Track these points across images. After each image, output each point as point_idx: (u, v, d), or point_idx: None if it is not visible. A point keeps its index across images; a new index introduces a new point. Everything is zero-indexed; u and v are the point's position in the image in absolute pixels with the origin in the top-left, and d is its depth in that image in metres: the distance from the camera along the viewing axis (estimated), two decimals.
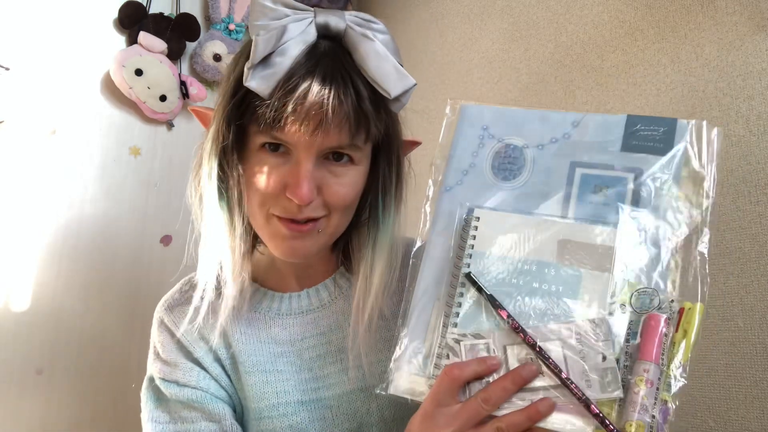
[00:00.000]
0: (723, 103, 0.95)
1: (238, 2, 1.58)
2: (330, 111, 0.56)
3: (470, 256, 0.57)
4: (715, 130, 0.55)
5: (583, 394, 0.49)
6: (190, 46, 1.54)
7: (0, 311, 1.19)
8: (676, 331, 0.51)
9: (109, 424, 1.29)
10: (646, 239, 0.54)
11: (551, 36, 1.28)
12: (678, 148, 0.55)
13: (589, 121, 0.60)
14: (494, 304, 0.54)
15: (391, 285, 0.67)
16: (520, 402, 0.51)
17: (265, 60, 0.57)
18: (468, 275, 0.56)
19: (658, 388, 0.49)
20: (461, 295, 0.56)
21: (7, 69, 1.24)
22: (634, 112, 1.08)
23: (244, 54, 0.61)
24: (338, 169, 0.62)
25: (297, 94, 0.56)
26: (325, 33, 0.60)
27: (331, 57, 0.59)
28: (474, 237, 0.57)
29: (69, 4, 1.36)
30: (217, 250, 0.64)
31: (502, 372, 0.52)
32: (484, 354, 0.53)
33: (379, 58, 0.60)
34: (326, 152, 0.61)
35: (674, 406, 0.49)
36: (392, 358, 0.56)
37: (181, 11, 1.51)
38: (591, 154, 0.58)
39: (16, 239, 1.23)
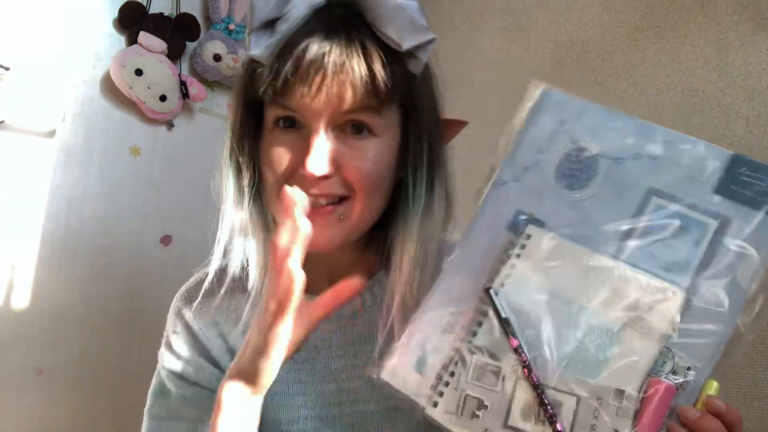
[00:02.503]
0: (723, 103, 0.95)
1: (238, 2, 1.58)
2: (331, 67, 0.51)
3: (508, 276, 0.50)
4: None
5: None
6: (190, 46, 1.54)
7: (0, 311, 1.19)
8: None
9: (109, 424, 1.29)
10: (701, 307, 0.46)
11: (551, 36, 1.28)
12: None
13: (687, 146, 0.51)
14: (508, 330, 0.48)
15: (423, 281, 0.58)
16: None
17: (270, 27, 0.53)
18: (487, 290, 0.50)
19: None
20: (485, 314, 0.49)
21: (7, 69, 1.24)
22: (635, 112, 1.08)
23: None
24: (357, 142, 0.55)
25: (295, 52, 0.51)
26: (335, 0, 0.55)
27: (338, 14, 0.54)
28: (518, 256, 0.50)
29: (69, 4, 1.36)
30: (240, 240, 0.60)
31: (516, 408, 0.47)
32: (492, 377, 0.48)
33: (393, 9, 0.53)
34: (341, 122, 0.54)
35: None
36: (394, 343, 0.51)
37: (181, 11, 1.51)
38: (675, 184, 0.49)
39: (16, 239, 1.23)
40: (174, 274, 1.44)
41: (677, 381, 0.44)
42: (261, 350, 0.48)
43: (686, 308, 0.45)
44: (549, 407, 0.46)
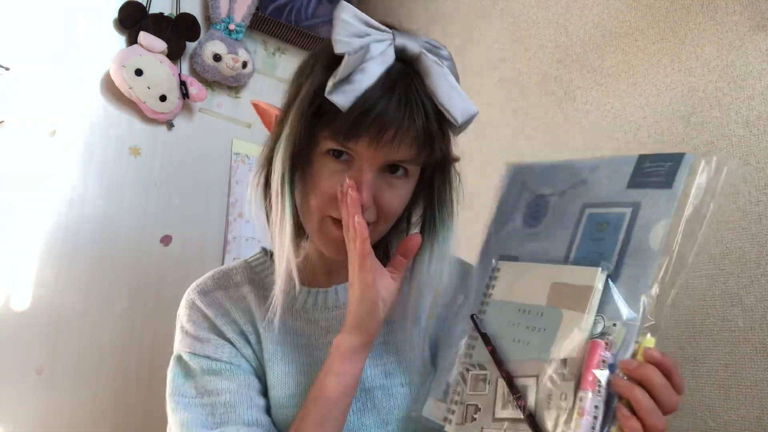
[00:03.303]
0: (723, 103, 0.95)
1: (238, 2, 1.58)
2: (402, 130, 0.61)
3: (487, 303, 0.64)
4: (725, 169, 0.53)
5: (538, 427, 0.52)
6: (190, 46, 1.54)
7: (0, 311, 1.19)
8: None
9: (109, 424, 1.29)
10: (624, 276, 0.55)
11: (551, 36, 1.28)
12: (679, 185, 0.54)
13: (606, 163, 0.62)
14: (485, 340, 0.61)
15: (441, 294, 0.73)
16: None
17: (347, 76, 0.61)
18: (471, 316, 0.64)
19: (594, 418, 0.49)
20: (476, 337, 0.63)
21: (7, 69, 1.24)
22: (635, 112, 1.08)
23: (320, 60, 0.65)
24: (394, 180, 0.66)
25: (375, 112, 0.60)
26: (401, 56, 0.64)
27: (406, 80, 0.63)
28: (493, 286, 0.65)
29: (69, 4, 1.36)
30: (277, 245, 0.68)
31: (498, 402, 0.57)
32: (482, 384, 0.60)
33: (450, 86, 0.64)
34: (386, 164, 0.65)
35: None
36: (430, 384, 0.66)
37: (181, 11, 1.51)
38: (601, 194, 0.60)
39: (16, 239, 1.23)
40: (174, 274, 1.44)
41: (608, 338, 0.52)
42: (358, 296, 0.63)
43: (612, 279, 0.55)
44: (516, 391, 0.55)
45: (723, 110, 0.95)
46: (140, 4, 1.43)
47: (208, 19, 1.58)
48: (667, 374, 0.51)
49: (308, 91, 0.64)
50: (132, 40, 1.41)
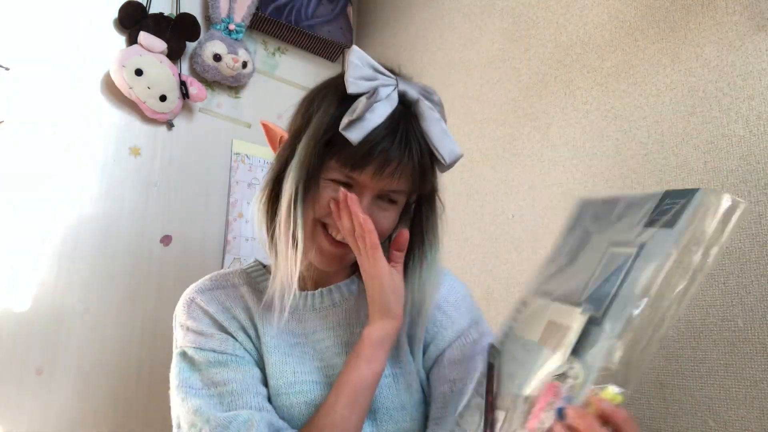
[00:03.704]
0: (723, 103, 0.95)
1: (238, 2, 1.58)
2: (402, 165, 0.71)
3: (507, 335, 0.65)
4: (740, 208, 0.49)
5: None
6: (190, 46, 1.54)
7: (0, 311, 1.19)
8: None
9: (109, 424, 1.29)
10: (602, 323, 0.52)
11: (551, 36, 1.28)
12: (682, 224, 0.50)
13: (638, 198, 0.59)
14: (489, 368, 0.62)
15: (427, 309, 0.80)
16: None
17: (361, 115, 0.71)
18: (491, 344, 0.65)
19: None
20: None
21: (7, 69, 1.24)
22: (635, 112, 1.08)
23: (331, 95, 0.74)
24: (385, 204, 0.76)
25: (381, 147, 0.70)
26: (402, 99, 0.74)
27: (407, 121, 0.73)
28: (516, 320, 0.66)
29: (69, 4, 1.36)
30: (288, 256, 0.75)
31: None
32: (500, 423, 0.59)
33: (441, 130, 0.74)
34: (382, 193, 0.74)
35: None
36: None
37: (181, 11, 1.51)
38: (623, 231, 0.58)
39: (17, 239, 1.23)
40: (174, 274, 1.44)
41: (567, 381, 0.50)
42: (378, 286, 0.72)
43: (593, 324, 0.52)
44: (488, 423, 0.56)
45: (723, 110, 0.95)
46: (140, 4, 1.43)
47: (208, 19, 1.58)
48: (617, 428, 0.49)
49: (321, 123, 0.72)
50: (132, 40, 1.41)
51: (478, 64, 1.45)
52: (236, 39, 1.58)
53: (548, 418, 0.49)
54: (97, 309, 1.32)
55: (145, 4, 1.44)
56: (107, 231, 1.36)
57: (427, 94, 0.76)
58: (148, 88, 1.39)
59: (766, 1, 0.91)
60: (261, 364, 0.78)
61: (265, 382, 0.77)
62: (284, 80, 1.78)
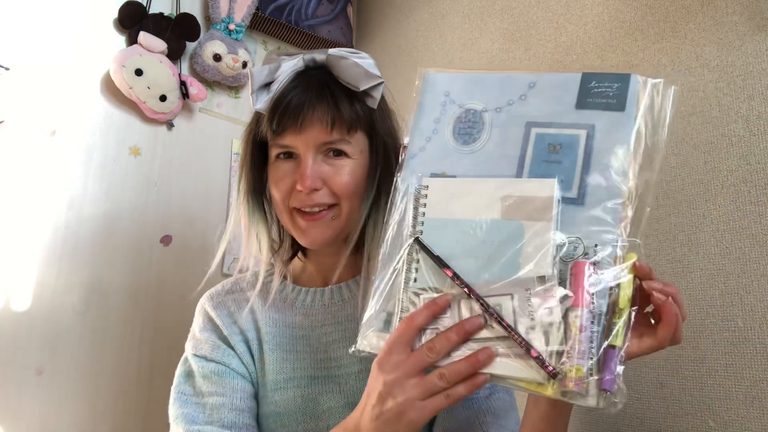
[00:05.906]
0: (723, 103, 0.95)
1: (238, 2, 1.58)
2: (320, 112, 0.73)
3: (422, 223, 0.60)
4: (671, 90, 0.56)
5: (524, 339, 0.53)
6: (190, 46, 1.54)
7: (0, 311, 1.19)
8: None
9: (109, 424, 1.29)
10: (588, 197, 0.56)
11: (551, 36, 1.28)
12: (631, 108, 0.56)
13: (546, 81, 0.61)
14: (441, 264, 0.58)
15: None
16: (467, 351, 0.54)
17: (266, 87, 0.75)
18: (417, 239, 0.60)
19: (593, 332, 0.52)
20: (417, 260, 0.60)
21: (7, 69, 1.24)
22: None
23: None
24: (336, 161, 0.76)
25: (284, 104, 0.73)
26: (311, 64, 0.76)
27: (309, 73, 0.76)
28: (425, 205, 0.61)
29: (69, 4, 1.36)
30: (252, 249, 0.83)
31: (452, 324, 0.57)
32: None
33: (352, 66, 0.74)
34: (324, 149, 0.76)
35: (622, 353, 0.52)
36: (362, 320, 0.61)
37: (181, 11, 1.51)
38: (546, 113, 0.60)
39: (16, 239, 1.23)
40: (174, 274, 1.44)
41: (592, 259, 0.53)
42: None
43: (579, 203, 0.55)
44: (492, 310, 0.54)
45: (723, 110, 0.95)
46: (140, 4, 1.43)
47: (208, 19, 1.58)
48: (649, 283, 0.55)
49: (249, 123, 0.82)
50: (132, 40, 1.41)
51: (478, 64, 1.45)
52: (236, 39, 1.58)
53: (601, 291, 0.52)
54: (97, 309, 1.32)
55: (145, 4, 1.44)
56: (107, 231, 1.36)
57: (347, 53, 0.76)
58: (148, 88, 1.39)
59: (766, 1, 0.91)
60: (257, 375, 0.82)
61: (252, 395, 0.80)
62: None
